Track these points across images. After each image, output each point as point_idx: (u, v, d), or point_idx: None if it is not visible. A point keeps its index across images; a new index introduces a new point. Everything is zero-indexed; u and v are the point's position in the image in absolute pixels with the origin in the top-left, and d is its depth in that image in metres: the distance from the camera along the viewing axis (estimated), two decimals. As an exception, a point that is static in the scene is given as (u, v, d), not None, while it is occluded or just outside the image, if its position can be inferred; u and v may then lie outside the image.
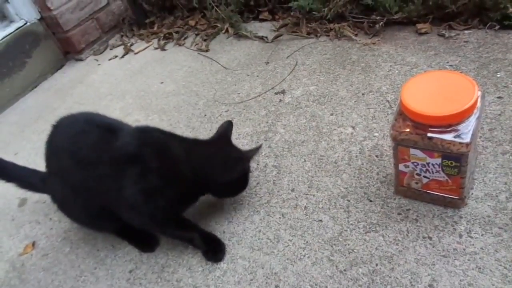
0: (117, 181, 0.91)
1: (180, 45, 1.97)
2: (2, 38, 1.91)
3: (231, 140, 1.05)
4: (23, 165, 1.16)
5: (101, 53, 2.16)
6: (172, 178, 0.94)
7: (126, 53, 2.07)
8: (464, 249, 0.84)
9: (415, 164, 0.86)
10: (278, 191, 1.09)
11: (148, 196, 0.92)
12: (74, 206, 1.03)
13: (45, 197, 1.30)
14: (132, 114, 1.59)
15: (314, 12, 1.69)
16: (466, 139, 0.76)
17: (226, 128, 1.06)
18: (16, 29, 1.95)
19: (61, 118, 1.04)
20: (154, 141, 0.98)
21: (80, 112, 1.06)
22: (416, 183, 0.91)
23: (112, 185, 0.92)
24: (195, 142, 1.05)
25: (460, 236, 0.86)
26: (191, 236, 1.00)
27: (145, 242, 1.07)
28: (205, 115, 1.45)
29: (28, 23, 1.98)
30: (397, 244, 0.89)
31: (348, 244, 0.92)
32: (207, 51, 1.84)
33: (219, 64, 1.71)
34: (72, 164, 0.96)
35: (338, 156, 1.13)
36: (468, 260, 0.82)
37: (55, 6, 1.96)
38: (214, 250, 0.99)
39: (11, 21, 1.98)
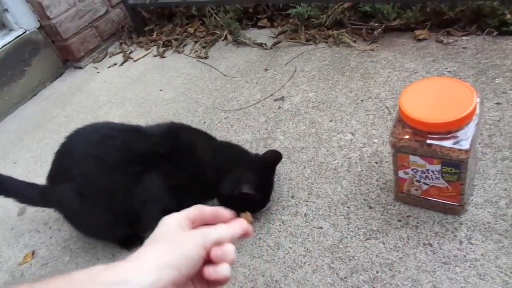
0: (141, 178, 0.97)
1: (179, 52, 1.97)
2: (2, 47, 1.91)
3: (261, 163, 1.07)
4: (21, 179, 1.15)
5: (100, 61, 2.17)
6: (197, 177, 1.00)
7: (125, 61, 2.07)
8: (464, 256, 0.84)
9: (415, 170, 0.86)
10: (277, 198, 1.09)
11: (175, 193, 0.98)
12: (86, 214, 1.02)
13: (45, 206, 1.30)
14: (132, 122, 1.58)
15: (312, 19, 1.70)
16: (466, 145, 0.76)
17: (271, 156, 1.09)
18: (16, 38, 1.95)
19: (78, 128, 1.07)
20: (183, 140, 1.05)
21: (97, 122, 1.11)
22: (416, 189, 0.91)
23: (140, 184, 0.97)
24: (224, 144, 1.13)
25: (461, 242, 0.86)
26: None
27: None
28: (205, 122, 1.45)
29: (27, 32, 1.99)
30: (397, 251, 0.89)
31: (349, 251, 0.92)
32: (206, 58, 1.85)
33: (218, 71, 1.72)
34: (98, 169, 0.98)
35: (338, 162, 1.13)
36: (469, 267, 0.82)
37: (54, 15, 1.97)
38: None
39: (11, 30, 1.99)
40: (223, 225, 0.50)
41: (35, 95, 2.04)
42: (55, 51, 2.12)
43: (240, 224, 0.52)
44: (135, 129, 1.07)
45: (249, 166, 1.03)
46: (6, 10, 1.95)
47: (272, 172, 1.08)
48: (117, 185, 0.97)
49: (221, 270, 0.46)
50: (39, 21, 2.01)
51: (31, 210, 1.32)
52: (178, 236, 0.46)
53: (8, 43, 1.93)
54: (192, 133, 1.10)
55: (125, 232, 1.08)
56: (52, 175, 1.07)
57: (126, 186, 0.97)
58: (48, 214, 1.28)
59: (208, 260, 0.46)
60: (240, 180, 0.98)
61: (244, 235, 0.52)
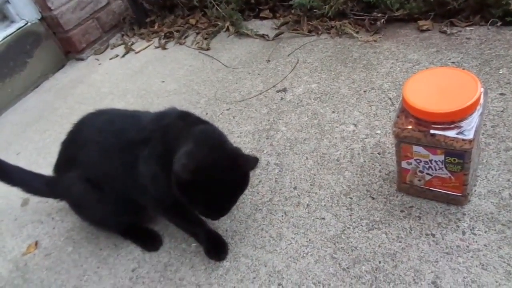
0: (133, 165, 0.93)
1: (181, 44, 1.97)
2: (3, 39, 1.91)
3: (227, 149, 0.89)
4: (28, 169, 1.16)
5: (102, 52, 2.16)
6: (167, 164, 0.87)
7: (127, 52, 2.07)
8: (467, 246, 0.84)
9: (418, 161, 0.86)
10: (280, 189, 1.09)
11: (152, 179, 0.92)
12: (93, 201, 1.02)
13: (48, 197, 1.30)
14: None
15: (315, 10, 1.69)
16: (469, 135, 0.76)
17: (245, 160, 0.88)
18: (17, 29, 1.95)
19: (82, 117, 1.07)
20: (166, 126, 0.92)
21: (100, 109, 1.09)
22: (419, 180, 0.91)
23: (130, 170, 0.94)
24: (204, 132, 0.92)
25: (463, 233, 0.86)
26: (196, 230, 1.01)
27: (149, 241, 1.08)
28: (207, 114, 1.45)
29: (29, 23, 1.98)
30: (400, 242, 0.89)
31: (351, 242, 0.92)
32: (208, 49, 1.84)
33: (220, 62, 1.71)
34: (100, 154, 0.98)
35: (340, 153, 1.13)
36: (472, 257, 0.82)
37: (55, 6, 1.96)
38: (217, 249, 0.99)
39: (12, 22, 1.98)
40: None
41: (37, 87, 2.04)
42: (57, 43, 2.11)
43: None
44: (134, 114, 1.04)
45: (214, 154, 0.84)
46: (7, 1, 1.94)
47: (239, 176, 0.87)
48: (117, 170, 0.97)
49: None
50: (40, 12, 2.00)
51: (34, 201, 1.32)
52: None
53: (10, 34, 1.93)
54: (181, 120, 0.95)
55: (129, 220, 1.09)
56: (59, 165, 1.08)
57: (124, 172, 0.96)
58: (51, 205, 1.28)
59: None
60: (183, 157, 0.81)
61: None
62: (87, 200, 1.03)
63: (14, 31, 1.94)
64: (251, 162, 0.88)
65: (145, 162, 0.92)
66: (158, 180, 0.90)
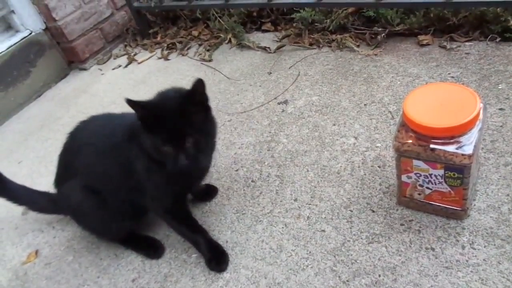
0: (127, 165, 0.95)
1: (183, 55, 1.99)
2: (8, 48, 1.93)
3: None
4: (26, 179, 1.20)
5: (104, 62, 2.18)
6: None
7: (129, 63, 2.09)
8: (467, 261, 0.84)
9: (418, 175, 0.87)
10: (281, 201, 1.10)
11: (148, 173, 0.94)
12: (92, 207, 1.03)
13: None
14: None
15: (316, 23, 1.71)
16: (469, 150, 0.77)
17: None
18: (21, 39, 1.97)
19: (78, 123, 1.08)
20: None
21: (91, 115, 1.10)
22: (419, 194, 0.91)
23: (126, 170, 0.96)
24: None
25: (463, 247, 0.86)
26: (197, 238, 1.01)
27: (152, 249, 1.08)
28: (208, 125, 1.45)
29: (33, 33, 2.00)
30: (400, 255, 0.89)
31: (351, 255, 0.92)
32: (210, 61, 1.86)
33: (222, 74, 1.73)
34: (95, 156, 0.99)
35: (341, 166, 1.14)
36: (471, 271, 0.82)
37: (60, 17, 1.98)
38: (217, 260, 0.99)
39: (17, 31, 2.00)
40: None
41: (40, 96, 2.06)
42: (60, 53, 2.13)
43: None
44: (121, 116, 1.06)
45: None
46: (12, 11, 1.96)
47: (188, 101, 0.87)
48: (113, 171, 0.98)
49: None
50: (45, 22, 2.02)
51: (35, 210, 1.33)
52: None
53: (14, 44, 1.95)
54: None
55: (129, 225, 1.09)
56: (58, 178, 1.09)
57: (121, 172, 0.97)
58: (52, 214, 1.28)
59: None
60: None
61: None
62: (87, 207, 1.03)
63: (19, 41, 1.96)
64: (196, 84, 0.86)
65: (137, 157, 0.93)
66: (153, 171, 0.92)
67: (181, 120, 0.85)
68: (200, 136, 0.87)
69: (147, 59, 2.06)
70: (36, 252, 1.19)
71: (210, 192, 1.18)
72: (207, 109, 0.92)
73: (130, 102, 0.80)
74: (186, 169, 0.85)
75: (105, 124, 1.05)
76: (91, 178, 1.01)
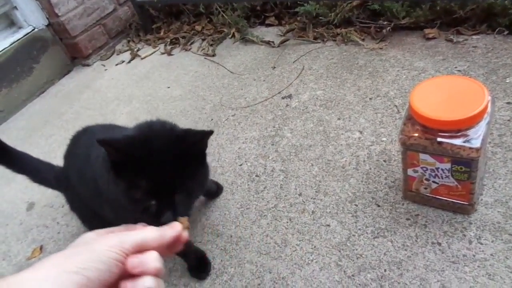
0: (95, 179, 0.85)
1: (186, 50, 1.98)
2: (11, 44, 1.93)
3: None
4: (37, 158, 1.14)
5: (108, 58, 2.18)
6: None
7: (132, 58, 2.08)
8: (474, 256, 0.83)
9: (424, 169, 0.86)
10: (285, 196, 1.09)
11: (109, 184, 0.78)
12: (86, 216, 1.03)
13: (53, 201, 1.31)
14: (139, 119, 1.58)
15: (320, 17, 1.70)
16: (476, 144, 0.76)
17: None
18: (24, 35, 1.97)
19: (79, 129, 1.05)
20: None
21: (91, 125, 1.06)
22: (425, 188, 0.90)
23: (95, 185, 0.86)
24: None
25: (470, 242, 0.85)
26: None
27: None
28: (212, 120, 1.45)
29: (36, 29, 2.00)
30: (405, 250, 0.88)
31: (356, 249, 0.91)
32: (213, 56, 1.85)
33: (226, 68, 1.72)
34: (78, 164, 0.96)
35: (346, 160, 1.13)
36: (478, 266, 0.81)
37: (62, 12, 1.98)
38: (198, 268, 0.97)
39: (20, 27, 2.00)
40: (149, 227, 0.42)
41: (43, 92, 2.06)
42: (63, 49, 2.13)
43: (172, 228, 0.43)
44: (111, 127, 1.01)
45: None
46: (15, 7, 1.96)
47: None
48: (89, 188, 0.90)
49: (139, 286, 0.38)
50: (47, 18, 2.02)
51: (40, 205, 1.33)
52: (92, 241, 0.40)
53: (17, 40, 1.95)
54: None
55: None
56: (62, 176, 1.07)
57: (93, 189, 0.86)
58: (57, 209, 1.29)
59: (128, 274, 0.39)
60: None
61: (177, 241, 0.44)
62: (83, 216, 1.04)
63: (21, 37, 1.96)
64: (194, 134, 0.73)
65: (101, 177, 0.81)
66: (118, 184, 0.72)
67: (172, 170, 0.68)
68: (192, 189, 0.71)
69: (150, 55, 2.06)
70: (41, 247, 1.19)
71: (216, 191, 1.15)
72: (203, 156, 0.77)
73: (101, 142, 0.64)
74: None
75: (92, 136, 0.92)
76: (78, 188, 0.98)
